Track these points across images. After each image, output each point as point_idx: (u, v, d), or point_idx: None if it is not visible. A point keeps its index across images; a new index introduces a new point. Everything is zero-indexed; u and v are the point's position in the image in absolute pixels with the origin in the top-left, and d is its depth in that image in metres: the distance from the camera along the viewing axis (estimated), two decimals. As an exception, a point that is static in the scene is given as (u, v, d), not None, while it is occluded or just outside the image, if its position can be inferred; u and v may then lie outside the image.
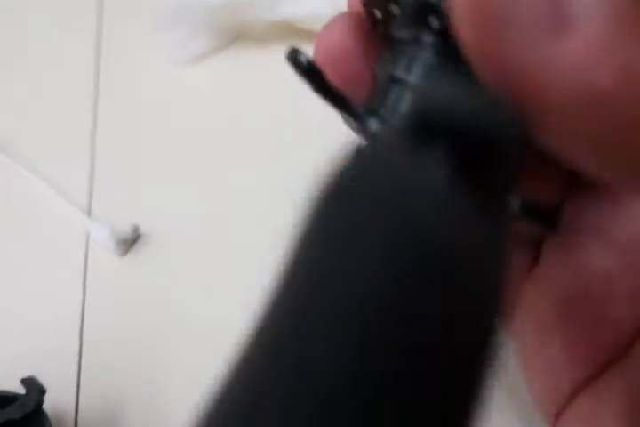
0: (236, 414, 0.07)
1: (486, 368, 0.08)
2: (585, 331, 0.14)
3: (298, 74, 0.13)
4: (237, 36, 0.34)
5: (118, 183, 0.32)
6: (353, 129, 0.14)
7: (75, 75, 0.35)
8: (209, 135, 0.32)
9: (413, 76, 0.12)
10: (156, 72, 0.34)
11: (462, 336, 0.08)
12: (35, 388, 0.23)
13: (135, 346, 0.27)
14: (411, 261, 0.08)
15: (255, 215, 0.30)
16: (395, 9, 0.13)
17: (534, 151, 0.10)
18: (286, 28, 0.33)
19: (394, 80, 0.13)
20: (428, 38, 0.12)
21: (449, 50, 0.11)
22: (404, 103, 0.13)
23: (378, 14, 0.14)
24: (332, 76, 0.14)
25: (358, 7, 0.14)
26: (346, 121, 0.15)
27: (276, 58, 0.32)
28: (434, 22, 0.12)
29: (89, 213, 0.31)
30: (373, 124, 0.13)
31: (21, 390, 0.23)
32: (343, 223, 0.08)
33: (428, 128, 0.09)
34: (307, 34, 0.32)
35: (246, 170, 0.31)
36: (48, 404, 0.24)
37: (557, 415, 0.15)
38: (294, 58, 0.13)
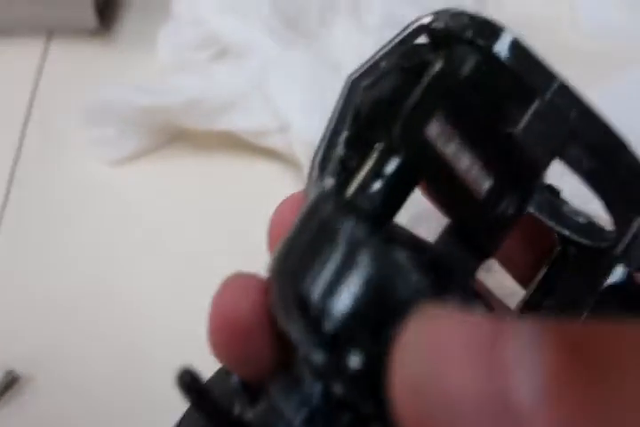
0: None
1: None
2: None
3: (183, 394, 0.13)
4: (173, 138, 0.31)
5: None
6: None
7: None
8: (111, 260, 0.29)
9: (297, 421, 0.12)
10: (76, 172, 0.31)
11: None
12: None
13: None
14: None
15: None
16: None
17: None
18: (228, 138, 0.30)
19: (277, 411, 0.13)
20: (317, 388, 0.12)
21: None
22: None
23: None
24: (225, 341, 0.14)
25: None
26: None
27: (215, 167, 0.31)
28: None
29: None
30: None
31: None
32: None
33: None
34: (250, 148, 0.30)
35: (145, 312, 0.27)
36: None
37: None
38: (184, 381, 0.12)
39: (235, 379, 0.14)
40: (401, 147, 0.13)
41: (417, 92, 0.13)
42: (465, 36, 0.13)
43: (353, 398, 0.12)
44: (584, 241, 0.16)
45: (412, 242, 0.14)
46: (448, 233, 0.14)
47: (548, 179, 0.18)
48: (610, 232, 0.15)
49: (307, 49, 0.29)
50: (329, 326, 0.11)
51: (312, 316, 0.11)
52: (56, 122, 0.32)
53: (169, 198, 0.30)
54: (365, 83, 0.14)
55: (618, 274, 0.14)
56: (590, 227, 0.16)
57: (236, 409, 0.13)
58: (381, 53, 0.14)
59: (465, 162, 0.13)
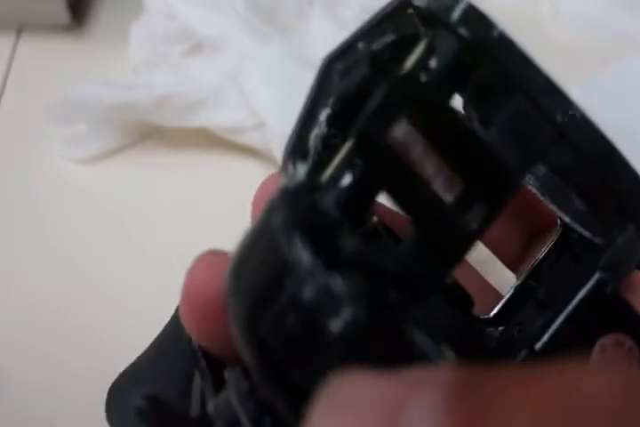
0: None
1: None
2: None
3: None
4: (146, 135, 0.30)
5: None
6: None
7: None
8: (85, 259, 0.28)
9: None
10: (47, 170, 0.30)
11: None
12: None
13: None
14: None
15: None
16: None
17: None
18: (203, 135, 0.29)
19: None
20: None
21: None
22: None
23: None
24: (195, 318, 0.14)
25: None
26: None
27: (190, 164, 0.30)
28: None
29: None
30: None
31: None
32: None
33: None
34: (225, 144, 0.29)
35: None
36: None
37: None
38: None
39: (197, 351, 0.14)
40: (360, 152, 0.12)
41: (381, 92, 0.12)
42: (449, 21, 0.12)
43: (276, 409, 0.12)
44: (583, 231, 0.15)
45: (370, 255, 0.12)
46: (411, 242, 0.13)
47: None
48: (608, 229, 0.14)
49: (282, 43, 0.28)
50: (267, 354, 0.11)
51: (255, 342, 0.11)
52: (25, 120, 0.31)
53: (142, 197, 0.29)
54: (340, 66, 0.13)
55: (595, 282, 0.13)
56: (592, 217, 0.15)
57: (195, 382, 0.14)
58: (360, 32, 0.13)
59: (431, 167, 0.12)
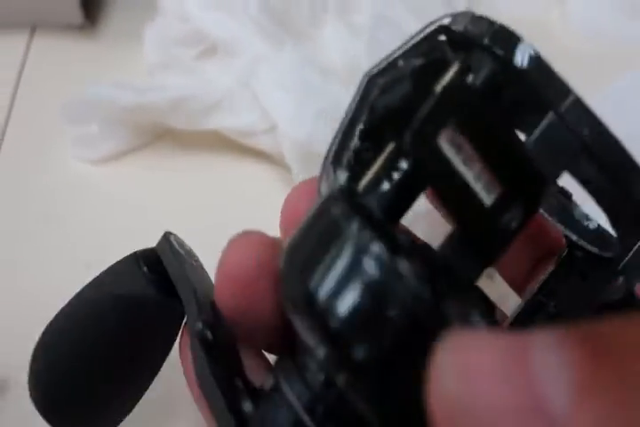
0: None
1: None
2: None
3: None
4: (158, 136, 0.31)
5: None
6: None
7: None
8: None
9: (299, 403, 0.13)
10: (59, 170, 0.30)
11: None
12: None
13: None
14: None
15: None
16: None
17: None
18: (215, 138, 0.30)
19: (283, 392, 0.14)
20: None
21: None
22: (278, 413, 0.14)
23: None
24: (232, 301, 0.15)
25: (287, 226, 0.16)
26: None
27: (201, 167, 0.30)
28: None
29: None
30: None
31: None
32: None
33: None
34: (237, 147, 0.30)
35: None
36: None
37: None
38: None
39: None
40: (411, 153, 0.13)
41: (430, 102, 0.13)
42: (483, 43, 0.13)
43: (352, 392, 0.12)
44: (590, 248, 0.16)
45: (416, 249, 0.14)
46: (451, 240, 0.14)
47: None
48: (616, 243, 0.14)
49: (296, 48, 0.28)
50: (332, 324, 0.12)
51: (317, 314, 0.12)
52: (39, 118, 0.32)
53: (153, 198, 0.30)
54: (381, 81, 0.14)
55: (619, 289, 0.14)
56: (599, 233, 0.16)
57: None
58: (400, 52, 0.15)
59: (474, 171, 0.13)
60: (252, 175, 0.30)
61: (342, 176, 0.15)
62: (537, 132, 0.13)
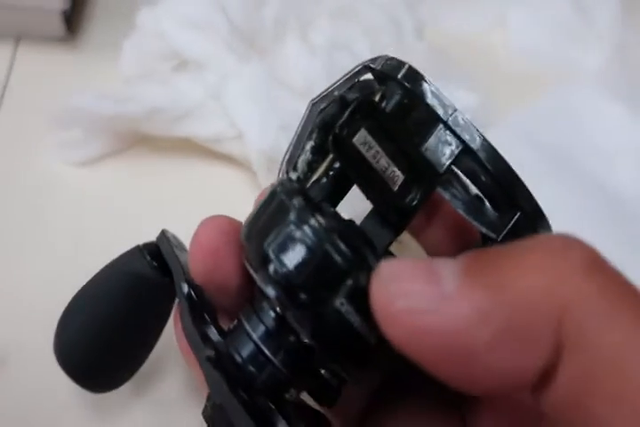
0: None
1: None
2: None
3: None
4: (135, 142, 0.33)
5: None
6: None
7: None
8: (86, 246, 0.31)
9: (255, 334, 0.18)
10: (43, 172, 0.33)
11: None
12: None
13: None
14: None
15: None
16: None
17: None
18: (187, 144, 0.33)
19: (243, 326, 0.18)
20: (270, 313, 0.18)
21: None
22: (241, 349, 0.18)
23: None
24: (202, 266, 0.20)
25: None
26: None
27: (174, 170, 0.33)
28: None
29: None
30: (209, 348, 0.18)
31: None
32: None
33: None
34: (208, 153, 0.33)
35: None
36: None
37: None
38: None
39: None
40: (335, 151, 0.17)
41: (347, 114, 0.17)
42: (394, 77, 0.18)
43: (294, 323, 0.17)
44: (494, 236, 0.20)
45: (341, 220, 0.18)
46: (370, 216, 0.19)
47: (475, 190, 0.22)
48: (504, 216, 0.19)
49: (261, 64, 0.31)
50: (280, 270, 0.16)
51: (269, 265, 0.16)
52: (23, 124, 0.34)
53: (130, 198, 0.32)
54: (322, 106, 0.19)
55: None
56: (499, 223, 0.20)
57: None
58: (335, 85, 0.20)
59: (382, 163, 0.17)
60: (220, 177, 0.33)
61: (293, 176, 0.19)
62: (430, 138, 0.18)
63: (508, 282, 0.14)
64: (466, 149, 0.17)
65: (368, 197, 0.18)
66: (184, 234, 0.30)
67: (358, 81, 0.19)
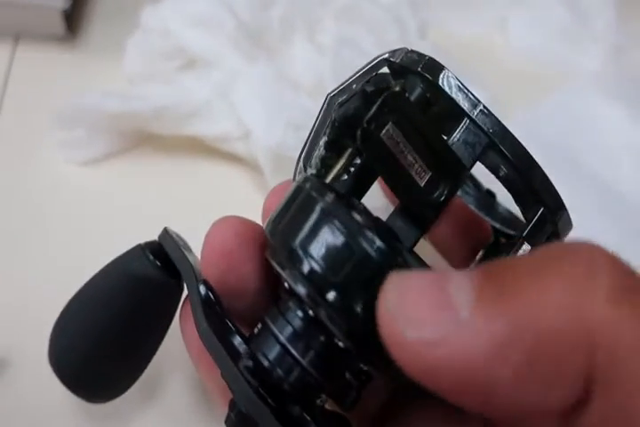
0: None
1: None
2: None
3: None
4: (140, 141, 0.33)
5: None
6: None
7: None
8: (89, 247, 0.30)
9: (282, 336, 0.17)
10: (46, 172, 0.32)
11: None
12: None
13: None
14: None
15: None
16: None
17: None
18: (193, 143, 0.32)
19: (269, 328, 0.18)
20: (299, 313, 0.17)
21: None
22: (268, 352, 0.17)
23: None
24: (216, 270, 0.19)
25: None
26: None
27: (180, 169, 0.33)
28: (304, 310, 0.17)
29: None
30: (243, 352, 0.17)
31: None
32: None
33: None
34: (214, 152, 0.32)
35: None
36: None
37: None
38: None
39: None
40: (360, 146, 0.17)
41: (375, 107, 0.17)
42: (415, 69, 0.17)
43: (327, 322, 0.16)
44: (509, 231, 0.20)
45: (371, 216, 0.18)
46: (397, 212, 0.18)
47: (486, 185, 0.22)
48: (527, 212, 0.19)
49: (268, 64, 0.31)
50: (314, 268, 0.16)
51: (301, 262, 0.16)
52: (24, 124, 0.34)
53: (135, 199, 0.32)
54: (340, 99, 0.19)
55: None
56: (515, 221, 0.20)
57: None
58: (353, 78, 0.19)
59: (410, 159, 0.17)
60: (227, 178, 0.32)
61: (311, 172, 0.19)
62: (456, 132, 0.17)
63: (528, 309, 0.12)
64: (492, 144, 0.17)
65: (395, 194, 0.18)
66: (190, 236, 0.30)
67: (376, 74, 0.19)
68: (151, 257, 0.20)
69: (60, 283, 0.29)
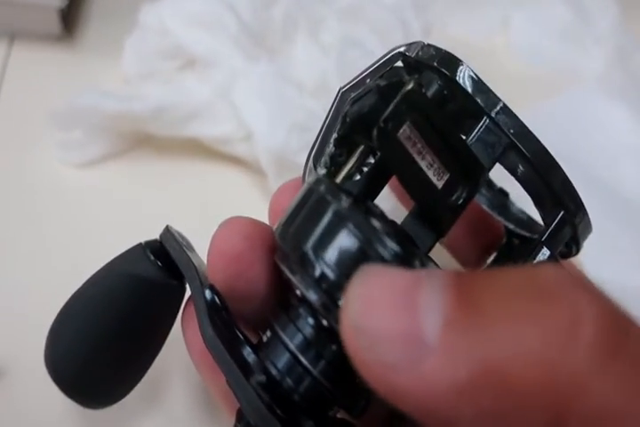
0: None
1: None
2: None
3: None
4: (139, 142, 0.33)
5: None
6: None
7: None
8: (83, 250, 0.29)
9: (292, 344, 0.16)
10: (42, 173, 0.32)
11: None
12: None
13: None
14: None
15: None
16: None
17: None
18: (193, 144, 0.32)
19: (279, 336, 0.17)
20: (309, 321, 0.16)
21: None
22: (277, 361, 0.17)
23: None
24: (223, 274, 0.17)
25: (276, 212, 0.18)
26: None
27: (180, 172, 0.32)
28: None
29: None
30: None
31: None
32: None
33: None
34: (215, 154, 0.32)
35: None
36: None
37: None
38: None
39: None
40: (377, 146, 0.16)
41: (392, 106, 0.16)
42: (433, 65, 0.16)
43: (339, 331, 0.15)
44: (524, 233, 0.19)
45: (388, 220, 0.17)
46: (412, 215, 0.18)
47: (499, 183, 0.22)
48: (542, 226, 0.18)
49: (270, 63, 0.31)
50: (327, 273, 0.15)
51: (313, 267, 0.15)
52: (21, 125, 0.33)
53: (134, 201, 0.31)
54: (353, 95, 0.18)
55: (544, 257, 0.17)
56: (530, 222, 0.20)
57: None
58: (367, 72, 0.18)
59: (426, 160, 0.16)
60: (228, 180, 0.32)
61: (322, 172, 0.18)
62: (475, 132, 0.17)
63: (500, 353, 0.11)
64: (512, 145, 0.16)
65: (411, 196, 0.17)
66: (191, 239, 0.29)
67: (391, 68, 0.18)
68: (152, 257, 0.19)
69: (57, 287, 0.28)
